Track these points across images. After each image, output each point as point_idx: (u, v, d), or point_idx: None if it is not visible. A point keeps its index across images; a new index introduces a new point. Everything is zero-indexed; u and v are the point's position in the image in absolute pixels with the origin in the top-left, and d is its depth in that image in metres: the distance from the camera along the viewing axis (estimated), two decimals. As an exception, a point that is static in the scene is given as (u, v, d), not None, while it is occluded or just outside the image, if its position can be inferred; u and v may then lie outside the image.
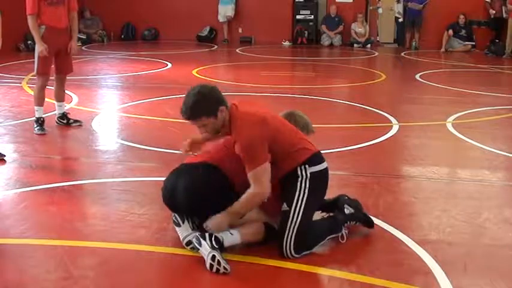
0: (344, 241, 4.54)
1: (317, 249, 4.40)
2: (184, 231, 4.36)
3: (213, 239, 4.14)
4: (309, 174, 4.37)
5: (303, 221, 4.30)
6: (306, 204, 4.33)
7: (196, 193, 4.32)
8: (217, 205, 4.33)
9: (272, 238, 4.42)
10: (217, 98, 4.38)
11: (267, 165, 4.24)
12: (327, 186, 4.56)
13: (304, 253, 4.32)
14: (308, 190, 4.34)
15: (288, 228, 4.29)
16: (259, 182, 4.22)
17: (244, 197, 4.26)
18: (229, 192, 4.38)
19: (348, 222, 4.67)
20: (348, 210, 4.72)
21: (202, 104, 4.30)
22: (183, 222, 4.37)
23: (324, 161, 4.52)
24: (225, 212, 4.30)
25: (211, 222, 4.29)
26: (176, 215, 4.41)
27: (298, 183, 4.35)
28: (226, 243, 4.22)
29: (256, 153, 4.22)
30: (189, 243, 4.28)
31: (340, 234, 4.57)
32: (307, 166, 4.38)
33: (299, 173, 4.37)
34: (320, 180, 4.45)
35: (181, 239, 4.35)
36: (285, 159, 4.38)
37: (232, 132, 4.34)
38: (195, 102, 4.28)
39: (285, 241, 4.27)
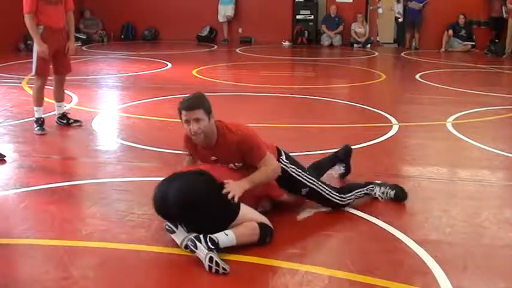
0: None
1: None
2: (180, 236, 4.35)
3: (208, 240, 4.14)
4: (286, 160, 5.02)
5: (316, 178, 5.11)
6: (304, 171, 5.07)
7: (187, 199, 4.30)
8: (209, 210, 4.33)
9: (267, 239, 4.44)
10: (210, 105, 4.65)
11: (270, 155, 4.77)
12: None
13: (349, 196, 5.18)
14: (295, 166, 5.05)
15: (319, 190, 5.05)
16: (271, 162, 4.74)
17: (260, 170, 4.67)
18: (220, 197, 4.39)
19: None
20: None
21: (204, 100, 4.62)
22: (177, 228, 4.37)
23: (279, 148, 5.10)
24: (245, 178, 4.59)
25: (230, 185, 4.46)
26: (168, 223, 4.41)
27: (289, 170, 4.99)
28: (222, 244, 4.21)
29: (257, 142, 4.69)
30: (188, 246, 4.28)
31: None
32: (281, 158, 5.00)
33: (282, 165, 4.94)
34: (289, 157, 5.12)
35: (178, 244, 4.35)
36: None
37: (227, 137, 4.65)
38: (197, 95, 4.66)
39: (328, 197, 5.09)
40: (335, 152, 5.97)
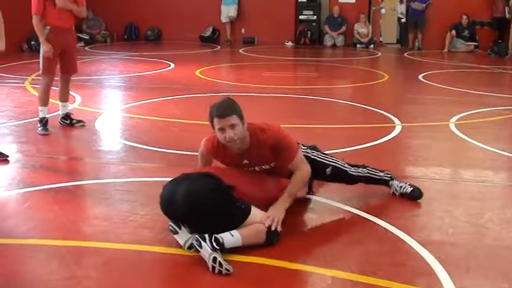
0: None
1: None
2: (183, 237, 4.35)
3: (213, 240, 4.14)
4: (308, 150, 5.26)
5: (332, 157, 5.41)
6: (323, 154, 5.35)
7: (194, 201, 4.30)
8: (215, 214, 4.33)
9: (274, 240, 4.44)
10: (241, 110, 4.65)
11: (301, 153, 4.91)
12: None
13: (361, 169, 5.43)
14: (315, 151, 5.30)
15: (335, 164, 5.32)
16: (302, 166, 4.85)
17: (295, 178, 4.80)
18: (227, 198, 4.41)
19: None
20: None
21: (235, 105, 4.61)
22: (180, 228, 4.36)
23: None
24: (284, 196, 4.69)
25: (272, 211, 4.54)
26: (172, 223, 4.40)
27: (310, 155, 5.18)
28: (227, 244, 4.21)
29: (290, 141, 4.77)
30: (191, 246, 4.28)
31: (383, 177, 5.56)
32: (303, 149, 5.15)
33: (305, 154, 5.11)
34: (308, 145, 5.38)
35: (182, 245, 4.35)
36: None
37: (260, 139, 4.68)
38: (228, 101, 4.64)
39: (347, 170, 5.35)
40: None
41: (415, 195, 5.44)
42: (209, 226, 4.30)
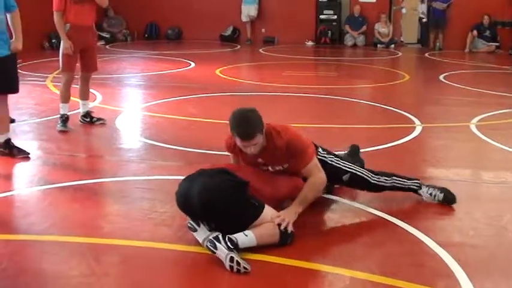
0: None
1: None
2: (202, 234, 4.34)
3: (227, 240, 4.15)
4: (323, 153, 5.14)
5: (352, 162, 5.28)
6: (341, 159, 5.23)
7: (210, 198, 4.31)
8: (230, 210, 4.34)
9: (288, 240, 4.44)
10: (262, 118, 4.62)
11: (316, 159, 4.84)
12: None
13: (385, 179, 5.28)
14: (332, 155, 5.21)
15: (355, 172, 5.19)
16: (316, 173, 4.79)
17: (308, 186, 4.75)
18: (242, 195, 4.42)
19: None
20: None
21: (258, 122, 4.55)
22: (199, 226, 4.36)
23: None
24: (296, 203, 4.66)
25: (283, 213, 4.53)
26: (190, 221, 4.40)
27: (327, 160, 5.09)
28: (241, 245, 4.22)
29: (305, 147, 4.75)
30: (208, 247, 4.27)
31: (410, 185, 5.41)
32: (318, 150, 5.09)
33: (320, 157, 5.03)
34: (326, 149, 5.24)
35: (200, 242, 4.36)
36: None
37: (275, 141, 4.66)
38: (252, 121, 4.54)
39: (368, 179, 5.22)
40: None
41: (449, 201, 5.31)
42: (223, 223, 4.33)
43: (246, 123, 4.51)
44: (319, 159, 4.96)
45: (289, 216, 4.52)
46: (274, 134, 4.66)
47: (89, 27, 7.87)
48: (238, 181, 4.46)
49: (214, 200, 4.30)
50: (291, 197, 4.83)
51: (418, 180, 5.49)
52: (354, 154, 6.00)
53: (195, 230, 4.37)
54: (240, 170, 4.70)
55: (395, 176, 5.40)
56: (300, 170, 4.79)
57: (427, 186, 5.43)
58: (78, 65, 7.96)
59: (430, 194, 5.36)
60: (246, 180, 4.48)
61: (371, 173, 5.28)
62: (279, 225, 4.42)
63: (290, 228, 4.45)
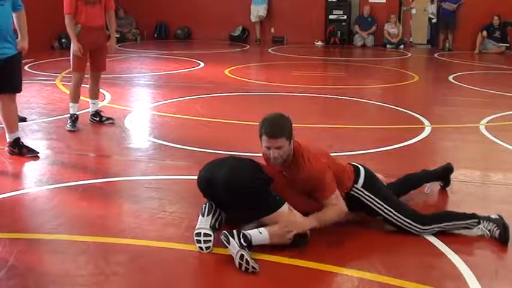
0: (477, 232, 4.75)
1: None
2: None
3: (241, 236, 4.15)
4: (361, 188, 4.79)
5: (394, 207, 4.74)
6: (382, 200, 4.76)
7: (236, 182, 4.41)
8: (255, 195, 4.39)
9: (301, 244, 4.43)
10: (292, 128, 4.57)
11: (338, 192, 4.63)
12: (374, 174, 5.00)
13: (431, 227, 4.68)
14: (372, 194, 4.78)
15: (395, 221, 4.72)
16: (334, 206, 4.60)
17: (326, 212, 4.57)
18: (266, 185, 4.49)
19: (481, 222, 4.76)
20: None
21: (287, 125, 4.51)
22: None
23: (359, 169, 4.91)
24: (312, 218, 4.53)
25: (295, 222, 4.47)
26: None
27: (363, 199, 4.78)
28: (254, 242, 4.23)
29: (328, 181, 4.57)
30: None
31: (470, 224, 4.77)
32: (355, 185, 4.79)
33: (356, 194, 4.79)
34: (369, 181, 4.85)
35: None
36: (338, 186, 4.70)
37: (299, 165, 4.55)
38: (281, 122, 4.52)
39: (405, 228, 4.70)
40: (435, 169, 5.81)
41: (503, 240, 4.64)
42: (242, 206, 4.45)
43: (274, 122, 4.49)
44: (354, 196, 4.77)
45: (298, 226, 4.44)
46: (301, 159, 4.56)
47: (100, 28, 7.92)
48: (265, 174, 4.55)
49: (241, 183, 4.39)
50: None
51: (477, 216, 4.81)
52: (443, 176, 5.78)
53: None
54: (267, 168, 4.72)
55: (450, 215, 4.88)
56: (321, 202, 4.64)
57: (484, 219, 4.78)
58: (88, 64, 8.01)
59: (489, 231, 4.72)
60: (272, 176, 4.58)
61: (411, 219, 4.72)
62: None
63: (290, 236, 4.39)
